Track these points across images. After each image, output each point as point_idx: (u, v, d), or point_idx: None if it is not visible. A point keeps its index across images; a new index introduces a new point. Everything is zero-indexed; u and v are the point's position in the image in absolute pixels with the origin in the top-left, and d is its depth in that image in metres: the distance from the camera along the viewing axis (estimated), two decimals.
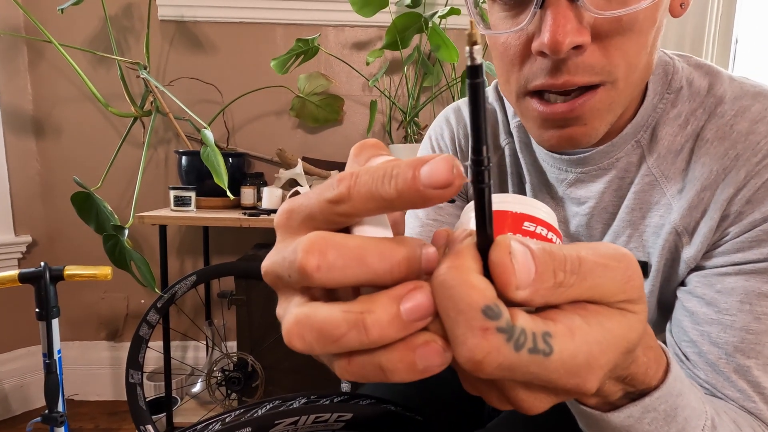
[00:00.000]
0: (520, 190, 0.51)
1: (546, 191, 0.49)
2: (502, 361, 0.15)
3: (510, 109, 0.52)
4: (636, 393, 0.23)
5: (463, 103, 0.56)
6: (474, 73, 0.15)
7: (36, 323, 1.46)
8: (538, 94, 0.36)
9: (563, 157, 0.45)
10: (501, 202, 0.19)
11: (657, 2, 0.33)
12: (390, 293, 0.16)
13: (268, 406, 0.50)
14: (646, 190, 0.42)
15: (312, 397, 0.51)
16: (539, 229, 0.19)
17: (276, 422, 0.46)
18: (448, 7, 1.30)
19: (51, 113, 1.46)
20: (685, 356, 0.39)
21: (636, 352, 0.21)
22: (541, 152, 0.48)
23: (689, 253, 0.40)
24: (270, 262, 0.18)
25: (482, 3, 0.38)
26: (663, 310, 0.44)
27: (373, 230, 0.18)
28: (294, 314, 0.16)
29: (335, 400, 0.51)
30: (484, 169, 0.16)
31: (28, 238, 1.46)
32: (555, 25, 0.31)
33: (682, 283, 0.41)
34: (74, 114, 1.47)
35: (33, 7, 1.38)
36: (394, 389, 0.61)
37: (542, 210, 0.20)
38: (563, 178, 0.46)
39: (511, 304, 0.16)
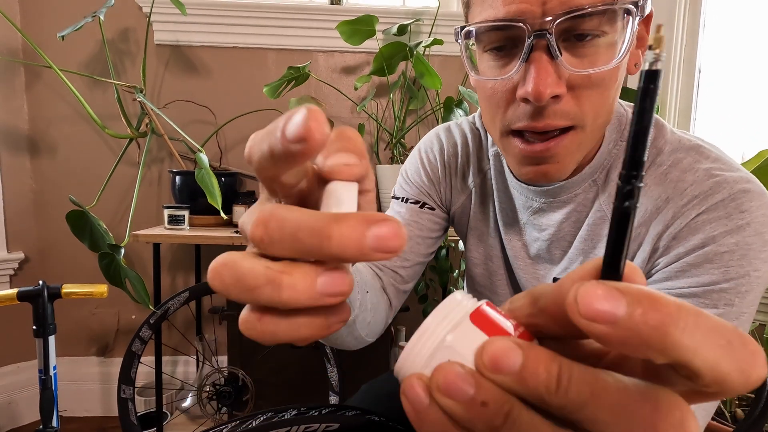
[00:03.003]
0: (493, 213, 0.58)
1: (512, 216, 0.55)
2: None
3: (489, 138, 0.58)
4: None
5: (454, 125, 0.61)
6: (651, 77, 0.14)
7: (25, 339, 1.48)
8: (519, 134, 0.42)
9: (530, 187, 0.51)
10: (462, 299, 0.18)
11: (618, 66, 0.40)
12: (312, 265, 0.17)
13: (261, 418, 0.54)
14: (597, 224, 0.48)
15: (302, 409, 0.56)
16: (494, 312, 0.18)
17: None
18: (432, 38, 1.38)
19: (46, 132, 1.50)
20: None
21: None
22: (512, 181, 0.54)
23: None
24: (242, 221, 0.18)
25: (471, 46, 0.44)
26: None
27: (337, 201, 0.18)
28: (223, 257, 0.17)
29: (323, 411, 0.56)
30: (634, 187, 0.15)
31: (21, 255, 1.48)
32: (538, 78, 0.37)
33: None
34: (69, 133, 1.51)
35: (31, 28, 1.43)
36: (378, 401, 0.66)
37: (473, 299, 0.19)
38: (529, 205, 0.52)
39: None
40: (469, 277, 0.64)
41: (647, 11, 0.39)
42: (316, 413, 0.56)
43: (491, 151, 0.57)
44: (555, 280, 0.52)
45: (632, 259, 0.46)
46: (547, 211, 0.51)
